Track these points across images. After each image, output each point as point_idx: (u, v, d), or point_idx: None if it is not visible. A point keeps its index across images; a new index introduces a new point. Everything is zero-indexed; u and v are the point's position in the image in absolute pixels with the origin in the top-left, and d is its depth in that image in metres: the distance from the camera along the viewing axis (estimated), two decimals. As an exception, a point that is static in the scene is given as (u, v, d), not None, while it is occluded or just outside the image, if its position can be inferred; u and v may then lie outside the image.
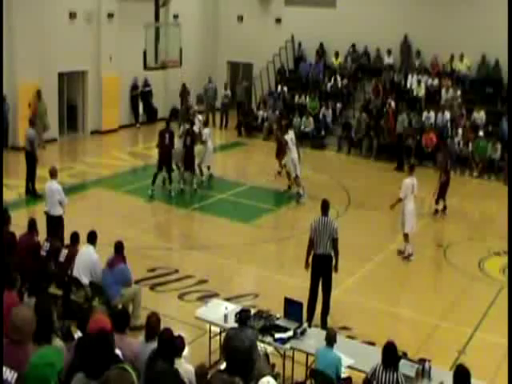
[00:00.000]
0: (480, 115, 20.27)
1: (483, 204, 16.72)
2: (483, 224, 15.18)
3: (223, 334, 7.90)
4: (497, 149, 19.24)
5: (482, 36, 20.72)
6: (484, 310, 10.50)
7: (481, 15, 21.07)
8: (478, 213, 16.04)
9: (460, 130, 19.95)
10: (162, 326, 6.77)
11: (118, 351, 6.30)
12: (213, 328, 8.65)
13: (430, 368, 7.45)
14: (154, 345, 6.39)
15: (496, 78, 21.24)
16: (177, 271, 11.41)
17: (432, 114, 20.87)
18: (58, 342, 5.67)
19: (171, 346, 6.32)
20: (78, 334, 6.44)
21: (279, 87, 23.82)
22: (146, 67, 17.15)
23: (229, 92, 24.42)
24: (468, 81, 21.67)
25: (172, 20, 23.18)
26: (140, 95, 23.55)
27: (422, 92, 21.75)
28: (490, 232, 14.47)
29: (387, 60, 23.13)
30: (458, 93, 21.25)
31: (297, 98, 23.16)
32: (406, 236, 12.53)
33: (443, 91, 21.50)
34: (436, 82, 21.89)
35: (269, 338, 8.07)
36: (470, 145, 19.54)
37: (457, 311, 10.54)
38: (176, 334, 6.89)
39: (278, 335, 8.08)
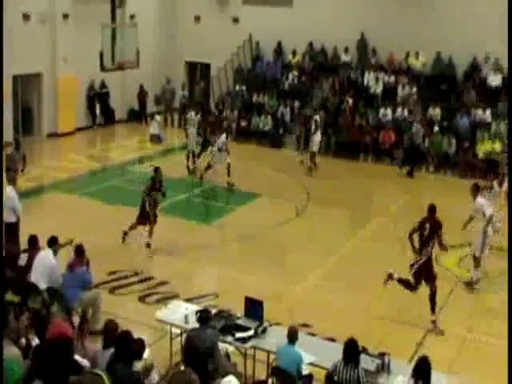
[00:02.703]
0: (435, 111, 20.64)
1: (439, 198, 16.87)
2: (440, 218, 15.35)
3: (184, 335, 7.91)
4: (452, 144, 19.65)
5: (437, 34, 21.12)
6: (442, 302, 10.68)
7: (435, 13, 21.45)
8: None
9: (416, 126, 20.27)
10: (123, 329, 6.74)
11: (78, 357, 6.26)
12: (174, 329, 8.62)
13: (389, 361, 7.55)
14: (111, 352, 6.35)
15: (450, 74, 21.66)
16: (137, 273, 11.36)
17: (389, 110, 21.17)
18: (14, 350, 5.60)
19: (129, 348, 6.29)
20: (35, 341, 6.37)
21: (237, 86, 23.86)
22: (102, 68, 17.00)
23: (186, 92, 24.37)
24: (423, 78, 22.02)
25: (129, 21, 23.01)
26: (97, 97, 23.32)
27: (379, 89, 22.03)
28: (446, 226, 14.65)
29: (344, 58, 23.34)
30: (414, 89, 21.59)
31: (255, 96, 23.25)
32: (478, 260, 11.66)
33: (399, 88, 21.83)
34: (392, 78, 22.20)
35: (230, 338, 8.09)
36: (427, 140, 19.89)
37: (415, 305, 10.70)
38: (136, 336, 6.88)
39: (238, 334, 8.10)
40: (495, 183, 13.47)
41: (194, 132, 18.20)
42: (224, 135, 17.18)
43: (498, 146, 19.24)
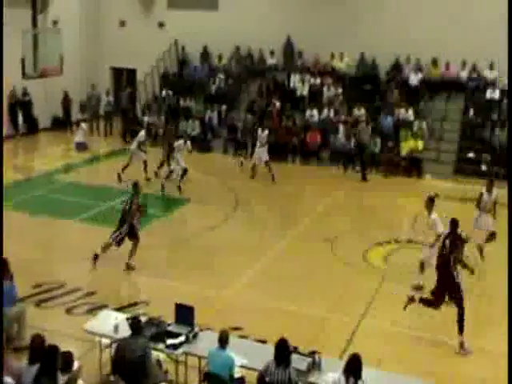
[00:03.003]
0: (360, 112, 21.09)
1: (365, 197, 17.43)
2: (366, 216, 15.80)
3: (114, 345, 7.80)
4: (376, 143, 20.12)
5: (360, 36, 21.62)
6: (369, 298, 10.95)
7: (359, 15, 21.95)
8: (361, 205, 16.69)
9: (341, 127, 20.68)
10: (50, 343, 6.61)
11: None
12: (103, 340, 8.48)
13: (320, 359, 7.66)
14: (37, 367, 6.22)
15: (373, 75, 22.19)
16: (63, 285, 11.12)
17: (315, 112, 21.49)
18: None
19: (55, 362, 6.18)
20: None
21: (164, 91, 23.71)
22: (24, 76, 16.56)
23: (111, 98, 24.03)
24: (348, 78, 22.46)
25: (51, 26, 22.52)
26: (19, 105, 22.67)
27: (305, 91, 22.34)
28: (372, 223, 15.10)
29: (270, 61, 23.56)
30: (340, 90, 22.00)
31: (182, 101, 23.16)
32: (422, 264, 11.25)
33: (325, 89, 22.19)
34: (318, 80, 22.55)
35: (161, 345, 8.03)
36: (352, 140, 20.29)
37: (344, 301, 10.92)
38: (64, 349, 6.75)
39: (169, 341, 8.05)
40: (484, 191, 12.65)
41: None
42: (182, 140, 16.98)
43: (420, 144, 19.86)
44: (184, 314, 8.43)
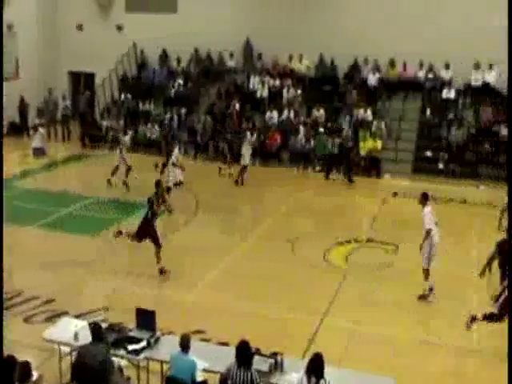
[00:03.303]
0: (320, 113, 21.25)
1: (326, 197, 17.56)
2: (327, 216, 15.90)
3: (74, 353, 7.69)
4: (335, 144, 20.26)
5: (319, 37, 21.81)
6: (331, 297, 11.01)
7: (316, 17, 22.13)
8: (322, 206, 16.78)
9: (301, 128, 20.79)
10: (8, 353, 6.47)
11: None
12: (63, 348, 8.35)
13: (282, 360, 7.68)
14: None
15: (332, 76, 22.37)
16: (21, 293, 10.91)
17: (275, 113, 21.57)
18: None
19: (13, 373, 6.06)
20: None
21: (123, 95, 23.51)
22: (-22, 80, 16.22)
23: (68, 102, 23.74)
24: (307, 80, 22.60)
25: (6, 30, 22.11)
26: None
27: (265, 92, 22.41)
28: (333, 223, 15.22)
29: (230, 63, 23.58)
30: (299, 92, 22.12)
31: (141, 105, 23.00)
32: (427, 272, 11.04)
33: (285, 91, 22.29)
34: (278, 82, 22.64)
35: (122, 351, 7.95)
36: (312, 141, 20.42)
37: (306, 301, 10.96)
38: (23, 359, 6.63)
39: (131, 347, 7.97)
40: None
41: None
42: (176, 149, 16.72)
43: (379, 144, 20.09)
44: (145, 318, 8.37)
